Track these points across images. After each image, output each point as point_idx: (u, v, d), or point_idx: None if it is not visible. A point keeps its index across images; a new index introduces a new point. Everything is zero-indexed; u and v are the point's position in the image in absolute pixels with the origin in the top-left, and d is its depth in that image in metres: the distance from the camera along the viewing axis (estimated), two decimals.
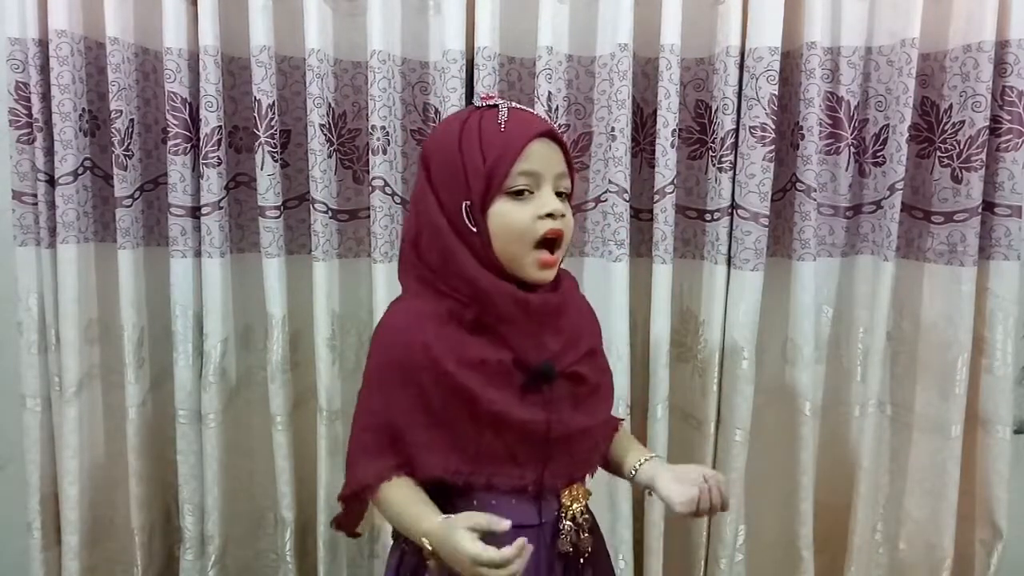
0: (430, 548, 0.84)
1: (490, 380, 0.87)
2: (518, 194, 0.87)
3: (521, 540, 0.80)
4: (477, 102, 0.94)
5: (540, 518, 0.93)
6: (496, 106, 0.90)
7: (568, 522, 0.94)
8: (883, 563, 1.56)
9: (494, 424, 0.88)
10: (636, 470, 0.98)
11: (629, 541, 1.47)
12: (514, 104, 0.91)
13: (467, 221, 0.87)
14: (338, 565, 1.55)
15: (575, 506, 0.95)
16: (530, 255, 0.88)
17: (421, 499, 0.88)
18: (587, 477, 0.99)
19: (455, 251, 0.88)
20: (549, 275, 0.90)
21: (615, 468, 1.03)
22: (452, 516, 0.84)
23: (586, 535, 0.96)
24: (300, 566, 1.55)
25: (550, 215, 0.87)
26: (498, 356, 0.88)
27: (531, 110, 0.94)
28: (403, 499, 0.89)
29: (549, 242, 0.88)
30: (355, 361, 1.53)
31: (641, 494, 1.46)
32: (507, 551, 0.78)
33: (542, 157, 0.88)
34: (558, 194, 0.90)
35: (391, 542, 1.01)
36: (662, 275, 1.41)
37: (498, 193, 0.87)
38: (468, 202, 0.87)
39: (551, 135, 0.90)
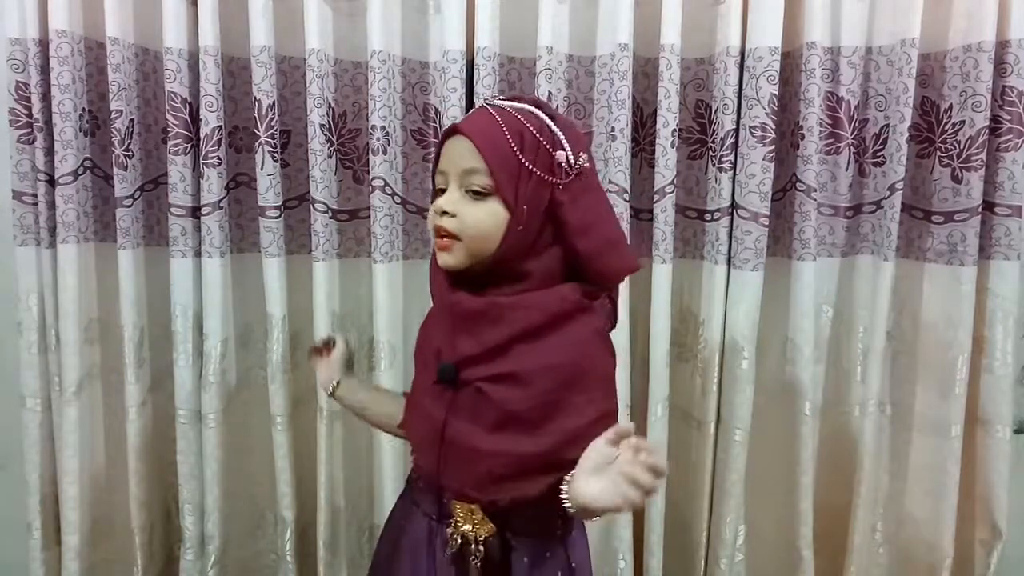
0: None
1: (426, 362, 0.96)
2: (442, 189, 0.91)
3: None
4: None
5: (437, 515, 0.94)
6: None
7: (456, 536, 0.90)
8: (883, 563, 1.56)
9: (413, 401, 0.98)
10: (564, 494, 0.80)
11: (629, 541, 1.47)
12: (498, 102, 0.89)
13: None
14: (338, 565, 1.55)
15: (468, 527, 0.89)
16: (435, 243, 0.90)
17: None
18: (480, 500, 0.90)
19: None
20: (446, 259, 0.89)
21: None
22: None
23: (476, 562, 0.89)
24: (300, 566, 1.55)
25: (438, 211, 0.89)
26: (431, 342, 0.95)
27: (506, 106, 0.88)
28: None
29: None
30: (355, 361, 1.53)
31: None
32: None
33: (448, 156, 0.90)
34: (474, 192, 0.86)
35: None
36: (662, 275, 1.41)
37: (435, 189, 0.93)
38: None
39: (460, 131, 0.87)
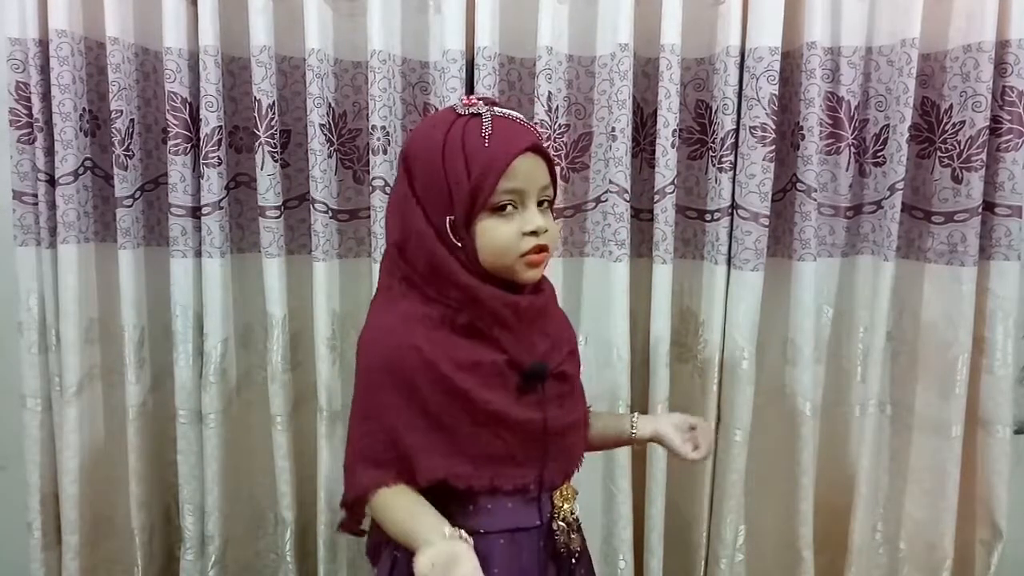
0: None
1: (485, 381, 0.88)
2: (502, 209, 0.88)
3: None
4: (459, 107, 0.90)
5: (540, 519, 0.95)
6: (479, 115, 0.88)
7: (561, 523, 0.97)
8: (883, 563, 1.56)
9: (493, 425, 0.89)
10: (634, 426, 1.09)
11: (629, 541, 1.47)
12: (497, 110, 0.89)
13: (451, 235, 0.87)
14: (338, 565, 1.55)
15: (566, 506, 0.98)
16: (517, 262, 0.90)
17: (430, 509, 0.86)
18: (574, 474, 1.02)
19: (444, 260, 0.88)
20: (536, 274, 0.93)
21: (602, 442, 1.11)
22: (459, 533, 0.81)
23: (575, 535, 0.99)
24: (300, 566, 1.55)
25: (534, 232, 0.89)
26: (491, 358, 0.89)
27: (515, 116, 0.91)
28: (409, 506, 0.87)
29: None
30: (355, 361, 1.53)
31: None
32: None
33: (526, 173, 0.88)
34: (541, 202, 0.91)
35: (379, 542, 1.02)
36: (662, 275, 1.41)
37: (483, 210, 0.87)
38: (452, 217, 0.87)
39: (535, 149, 0.90)
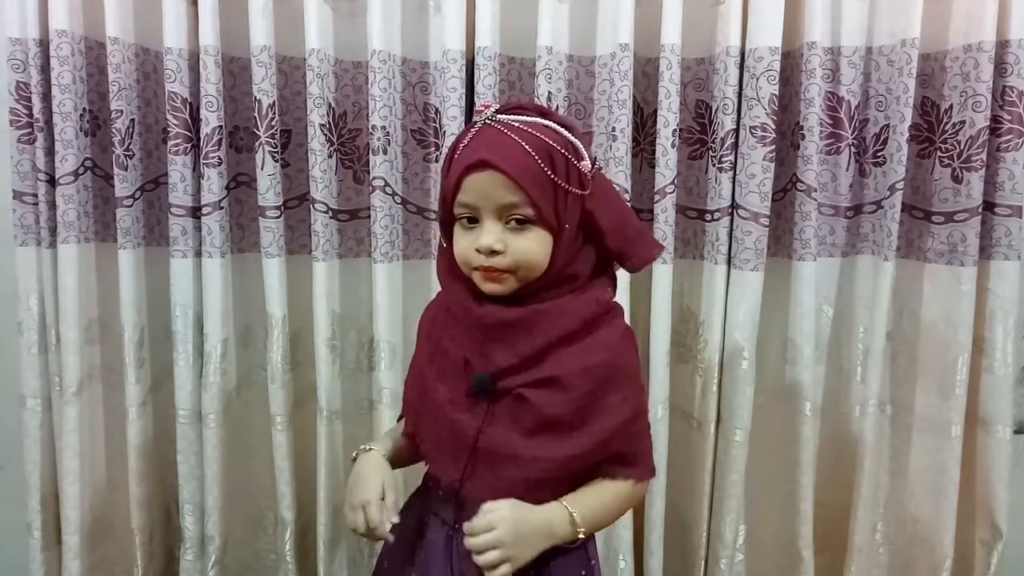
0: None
1: (446, 370, 0.93)
2: (469, 220, 0.87)
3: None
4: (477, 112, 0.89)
5: (455, 523, 0.92)
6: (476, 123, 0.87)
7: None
8: (883, 563, 1.56)
9: (433, 410, 0.93)
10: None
11: (629, 541, 1.47)
12: (503, 118, 0.85)
13: (441, 235, 0.94)
14: (338, 565, 1.55)
15: None
16: (474, 273, 0.89)
17: (390, 434, 1.05)
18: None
19: (438, 255, 0.96)
20: (496, 288, 0.87)
21: None
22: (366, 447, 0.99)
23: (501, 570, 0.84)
24: (300, 566, 1.55)
25: (485, 251, 0.85)
26: (457, 353, 0.92)
27: (525, 122, 0.85)
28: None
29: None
30: (355, 361, 1.53)
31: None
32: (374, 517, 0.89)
33: (478, 190, 0.85)
34: (518, 220, 0.85)
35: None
36: (662, 275, 1.41)
37: (453, 218, 0.89)
38: (441, 218, 0.93)
39: (487, 166, 0.83)
